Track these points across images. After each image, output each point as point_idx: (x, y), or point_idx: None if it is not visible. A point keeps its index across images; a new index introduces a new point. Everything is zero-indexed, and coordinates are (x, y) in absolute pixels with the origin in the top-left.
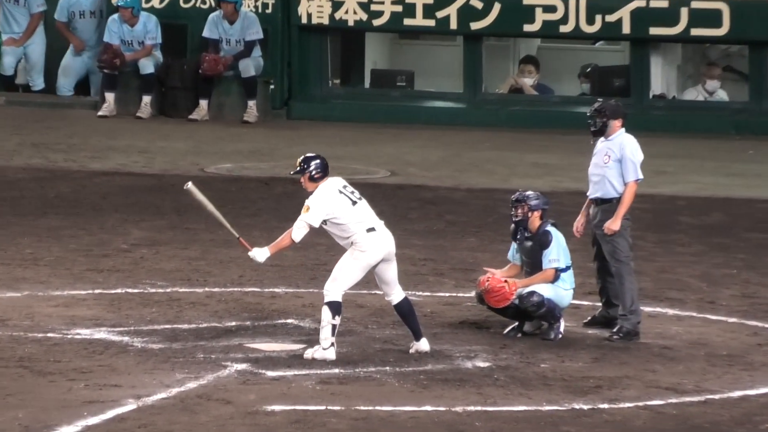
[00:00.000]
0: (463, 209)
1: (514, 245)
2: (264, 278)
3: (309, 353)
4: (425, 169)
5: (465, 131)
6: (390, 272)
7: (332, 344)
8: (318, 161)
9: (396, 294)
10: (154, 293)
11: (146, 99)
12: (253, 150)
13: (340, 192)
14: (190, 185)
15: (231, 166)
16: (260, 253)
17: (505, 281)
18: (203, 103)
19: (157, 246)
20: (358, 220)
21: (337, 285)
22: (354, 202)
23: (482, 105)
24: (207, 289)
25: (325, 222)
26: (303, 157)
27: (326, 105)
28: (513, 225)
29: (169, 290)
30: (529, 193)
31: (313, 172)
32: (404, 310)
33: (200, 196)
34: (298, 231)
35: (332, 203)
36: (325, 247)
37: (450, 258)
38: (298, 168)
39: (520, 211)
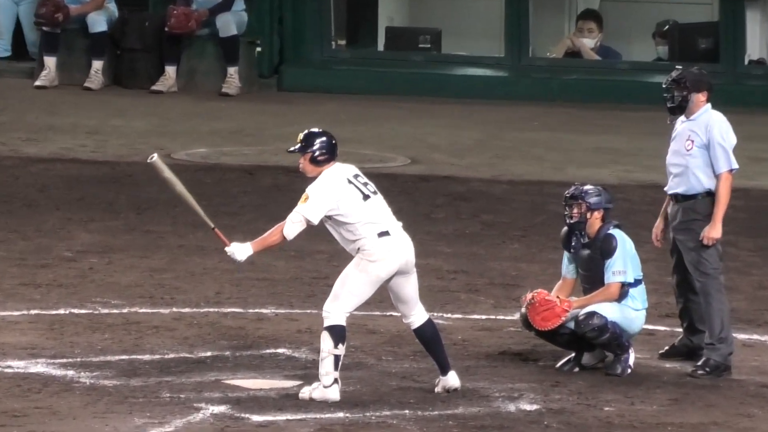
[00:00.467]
0: (504, 207)
1: (567, 255)
2: (248, 296)
3: (306, 392)
4: (455, 155)
5: (507, 106)
6: (408, 288)
7: (335, 381)
8: (324, 139)
9: (417, 315)
10: (107, 315)
11: (96, 65)
12: (234, 130)
13: (350, 182)
14: (155, 158)
15: (206, 151)
16: (240, 250)
17: (557, 297)
18: (170, 70)
19: (110, 254)
20: (368, 220)
21: (340, 305)
22: (366, 197)
23: (529, 73)
24: (174, 309)
25: (328, 218)
26: (306, 132)
27: (328, 72)
28: (566, 228)
29: (125, 311)
30: (587, 187)
31: (317, 153)
32: (427, 335)
33: (167, 172)
34: (291, 226)
35: (337, 195)
36: (326, 256)
37: (487, 270)
38: (299, 145)
39: (575, 210)
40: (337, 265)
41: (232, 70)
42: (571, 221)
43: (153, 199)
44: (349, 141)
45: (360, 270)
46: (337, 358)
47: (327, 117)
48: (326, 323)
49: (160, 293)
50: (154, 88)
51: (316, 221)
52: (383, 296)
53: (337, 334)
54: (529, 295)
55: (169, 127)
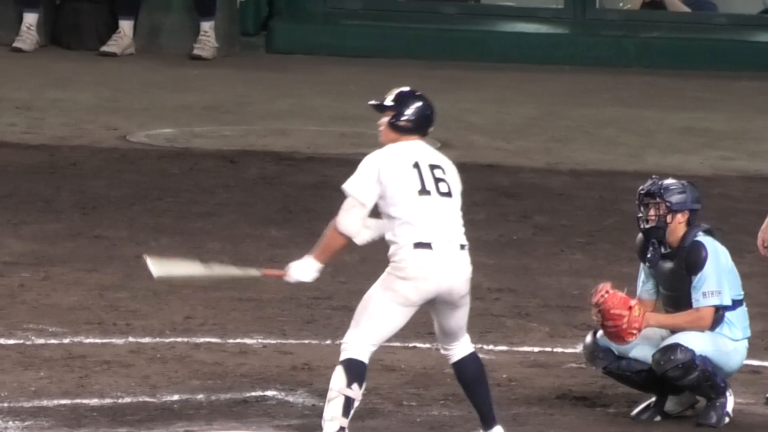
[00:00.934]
0: (563, 206)
1: (644, 269)
2: (227, 321)
3: None
4: (501, 137)
5: (567, 74)
6: (452, 321)
7: (341, 429)
8: (419, 105)
9: (460, 346)
10: (43, 346)
11: (29, 18)
12: (209, 105)
13: (415, 166)
14: (148, 260)
15: (172, 131)
16: (302, 269)
17: (630, 307)
18: (126, 26)
19: (47, 266)
20: (410, 220)
21: (360, 334)
22: (424, 191)
23: (597, 30)
24: (131, 339)
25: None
26: (400, 90)
27: (333, 29)
28: (641, 234)
29: (66, 341)
30: (668, 182)
31: (402, 119)
32: (469, 373)
33: (174, 268)
34: (344, 216)
35: (388, 174)
36: (329, 269)
37: (541, 288)
38: (386, 103)
39: (653, 212)
40: (344, 282)
41: (206, 26)
42: (647, 226)
43: (103, 196)
44: (362, 119)
45: (385, 287)
46: (348, 401)
47: (332, 88)
48: (342, 356)
49: (113, 318)
50: (104, 49)
51: (368, 202)
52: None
53: (353, 371)
54: (601, 291)
55: (125, 100)
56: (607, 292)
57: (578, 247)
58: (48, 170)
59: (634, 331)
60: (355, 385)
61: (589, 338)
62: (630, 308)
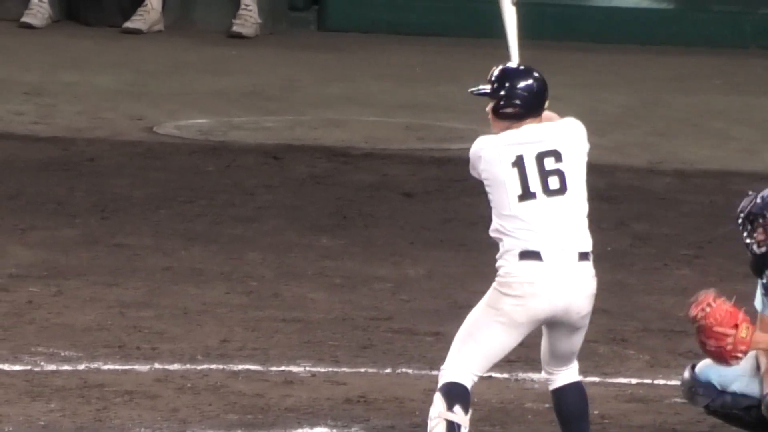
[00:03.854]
0: (667, 212)
1: (762, 284)
2: (270, 346)
3: None
4: (595, 130)
5: (672, 56)
6: (571, 343)
7: None
8: (527, 84)
9: (567, 372)
10: (54, 373)
11: None
12: (250, 91)
13: (514, 165)
14: None
15: (207, 122)
16: None
17: (737, 325)
18: (153, 0)
19: (59, 279)
20: (514, 228)
21: (460, 360)
22: (526, 195)
23: (707, 5)
24: (157, 365)
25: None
26: (503, 68)
27: (393, 3)
28: (752, 256)
29: (82, 367)
30: None
31: (511, 103)
32: (571, 402)
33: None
34: None
35: (486, 166)
36: (390, 285)
37: (640, 309)
38: (489, 87)
39: (761, 236)
40: (408, 300)
41: (247, 0)
42: (759, 251)
43: (125, 197)
44: (429, 107)
45: (489, 305)
46: (452, 426)
47: (394, 70)
48: (440, 384)
49: (136, 340)
50: (128, 25)
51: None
52: None
53: (454, 393)
54: (702, 303)
55: (151, 85)
56: (709, 304)
57: (684, 260)
58: (61, 167)
59: (740, 354)
60: (457, 407)
61: (687, 373)
62: (737, 326)
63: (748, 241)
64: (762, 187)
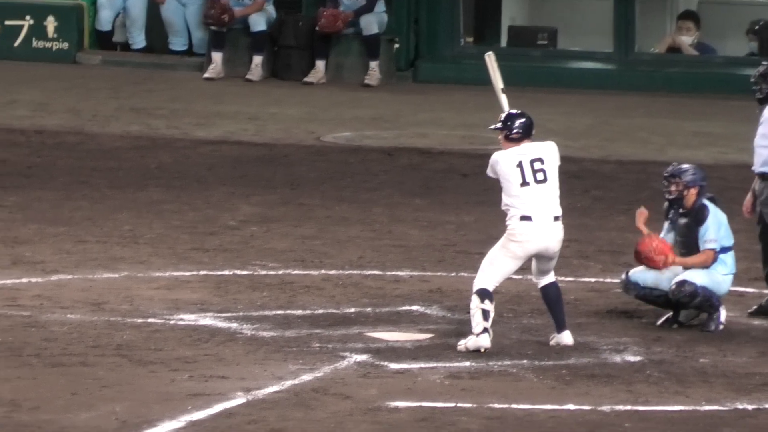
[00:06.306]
0: (612, 184)
1: (666, 225)
2: (386, 260)
3: (462, 344)
4: (570, 138)
5: (615, 96)
6: (547, 266)
7: (485, 330)
8: (522, 121)
9: (547, 278)
10: (265, 276)
11: (257, 59)
12: (374, 116)
13: (518, 166)
14: (490, 54)
15: (350, 134)
16: None
17: (666, 256)
18: (320, 64)
19: (268, 223)
20: (517, 203)
21: (485, 276)
22: (524, 183)
23: (635, 66)
24: (323, 271)
25: None
26: (507, 113)
27: (457, 66)
28: (666, 203)
29: (281, 272)
30: (685, 166)
31: (513, 132)
32: (551, 294)
33: (492, 71)
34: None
35: (499, 172)
36: (454, 226)
37: (596, 239)
38: (500, 125)
39: (673, 188)
40: (464, 234)
41: (373, 64)
42: (670, 197)
43: (305, 177)
44: (475, 126)
45: (502, 246)
46: (485, 312)
47: (456, 105)
48: (474, 289)
49: (311, 257)
50: (306, 80)
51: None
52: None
53: (483, 294)
54: (648, 240)
55: (319, 114)
56: (654, 243)
57: (622, 211)
58: (268, 160)
59: (665, 268)
60: (486, 301)
61: (623, 276)
62: (666, 256)
63: (665, 189)
64: (660, 171)
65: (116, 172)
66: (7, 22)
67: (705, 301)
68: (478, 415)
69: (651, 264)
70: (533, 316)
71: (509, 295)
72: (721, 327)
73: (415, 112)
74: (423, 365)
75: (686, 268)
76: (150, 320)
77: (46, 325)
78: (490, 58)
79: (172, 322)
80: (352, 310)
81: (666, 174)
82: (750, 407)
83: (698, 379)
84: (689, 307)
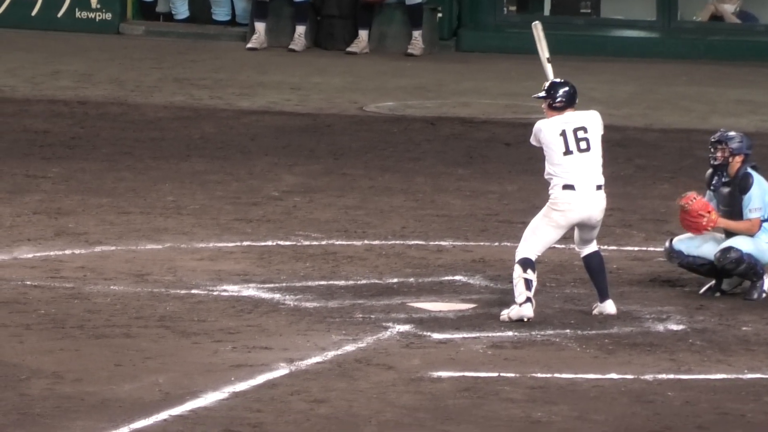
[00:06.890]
0: (655, 152)
1: (709, 193)
2: (429, 230)
3: (505, 314)
4: (613, 106)
5: (658, 64)
6: (589, 235)
7: (528, 299)
8: (566, 90)
9: (590, 247)
10: (308, 246)
11: (300, 29)
12: (417, 86)
13: (561, 134)
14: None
15: (393, 104)
16: None
17: (709, 212)
18: (363, 34)
19: (311, 193)
20: (560, 172)
21: (528, 247)
22: (567, 152)
23: (678, 34)
24: (366, 241)
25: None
26: (551, 81)
27: (500, 35)
28: (710, 170)
29: (324, 243)
30: (731, 133)
31: (557, 101)
32: (593, 263)
33: (539, 39)
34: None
35: (543, 141)
36: (497, 196)
37: (639, 207)
38: (543, 93)
39: (719, 154)
40: (507, 203)
41: (416, 34)
42: (715, 163)
43: (348, 147)
44: (518, 94)
45: (544, 215)
46: (527, 281)
47: (499, 74)
48: (517, 258)
49: (354, 228)
50: (349, 49)
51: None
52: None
53: (527, 263)
54: (690, 197)
55: (362, 83)
56: (693, 198)
57: (665, 180)
58: (312, 130)
59: (709, 228)
60: (529, 271)
61: (667, 243)
62: (710, 211)
63: (710, 155)
64: (706, 138)
65: (159, 142)
66: None
67: (749, 269)
68: (521, 385)
69: (695, 223)
70: (576, 286)
71: (552, 264)
72: (765, 295)
73: (458, 81)
74: (466, 335)
75: (728, 233)
76: (193, 291)
77: (89, 297)
78: (537, 28)
79: (215, 293)
80: (395, 280)
81: (713, 140)
82: None
83: (741, 347)
84: (733, 275)
